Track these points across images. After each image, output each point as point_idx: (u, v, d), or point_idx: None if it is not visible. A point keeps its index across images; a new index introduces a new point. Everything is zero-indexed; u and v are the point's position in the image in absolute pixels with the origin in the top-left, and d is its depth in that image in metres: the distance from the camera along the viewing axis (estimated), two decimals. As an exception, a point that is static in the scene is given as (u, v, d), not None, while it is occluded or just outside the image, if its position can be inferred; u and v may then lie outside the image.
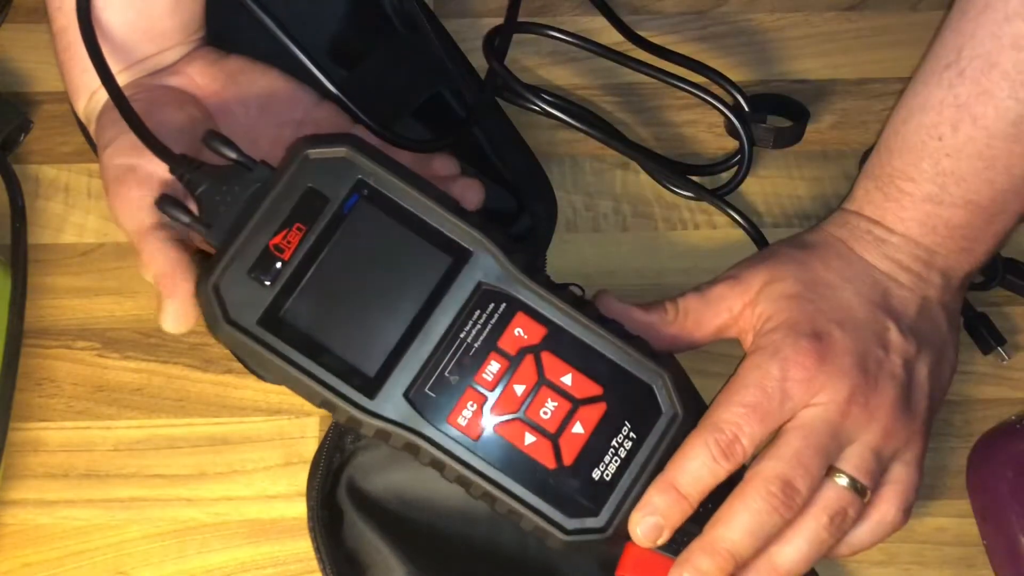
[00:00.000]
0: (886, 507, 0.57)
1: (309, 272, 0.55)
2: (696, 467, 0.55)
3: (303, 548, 0.61)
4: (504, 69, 0.69)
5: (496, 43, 0.70)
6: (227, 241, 0.55)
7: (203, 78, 0.63)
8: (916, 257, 0.59)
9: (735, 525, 0.54)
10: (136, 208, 0.58)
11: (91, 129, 0.63)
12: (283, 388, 0.64)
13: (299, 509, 0.61)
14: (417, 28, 0.70)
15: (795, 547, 0.55)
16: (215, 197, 0.56)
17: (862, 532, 0.57)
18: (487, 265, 0.55)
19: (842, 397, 0.56)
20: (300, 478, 0.62)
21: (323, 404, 0.55)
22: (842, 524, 0.56)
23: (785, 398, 0.56)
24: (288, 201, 0.55)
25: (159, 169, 0.57)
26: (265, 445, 0.63)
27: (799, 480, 0.54)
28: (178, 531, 0.62)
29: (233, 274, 0.54)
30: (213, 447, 0.63)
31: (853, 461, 0.56)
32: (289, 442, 0.64)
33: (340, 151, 0.55)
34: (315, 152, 0.55)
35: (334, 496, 0.61)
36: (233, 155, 0.56)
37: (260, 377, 0.64)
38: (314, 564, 0.60)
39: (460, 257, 0.55)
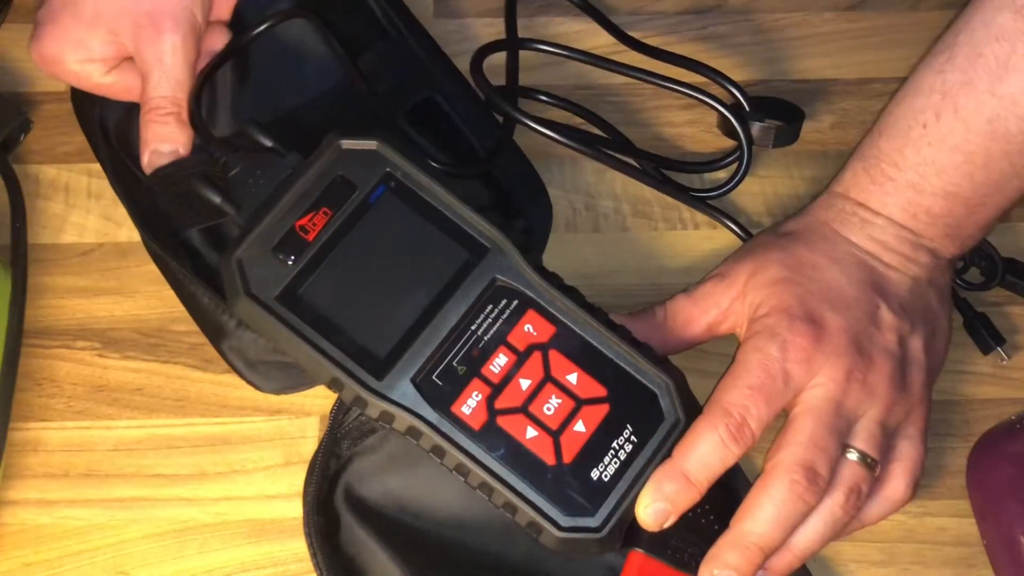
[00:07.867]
0: (895, 483, 0.57)
1: (331, 255, 0.56)
2: (706, 452, 0.54)
3: (303, 548, 0.61)
4: (505, 102, 0.68)
5: (484, 64, 0.69)
6: (254, 219, 0.57)
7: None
8: (902, 239, 0.59)
9: (761, 517, 0.54)
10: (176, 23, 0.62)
11: None
12: (283, 388, 0.65)
13: (299, 509, 0.61)
14: (404, 34, 0.70)
15: (812, 528, 0.55)
16: (247, 180, 0.59)
17: (872, 509, 0.57)
18: (503, 262, 0.57)
19: (841, 375, 0.56)
20: (300, 478, 0.62)
21: (332, 383, 0.55)
22: (857, 501, 0.56)
23: (788, 379, 0.56)
24: (317, 186, 0.57)
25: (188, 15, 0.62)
26: (265, 445, 0.63)
27: (819, 464, 0.55)
28: (178, 531, 0.62)
29: (258, 250, 0.56)
30: (213, 447, 0.63)
31: (862, 436, 0.56)
32: (289, 442, 0.64)
33: (371, 144, 0.58)
34: (348, 143, 0.58)
35: (330, 502, 0.61)
36: (269, 143, 0.59)
37: (257, 388, 0.64)
38: (314, 564, 0.61)
39: (477, 252, 0.57)
